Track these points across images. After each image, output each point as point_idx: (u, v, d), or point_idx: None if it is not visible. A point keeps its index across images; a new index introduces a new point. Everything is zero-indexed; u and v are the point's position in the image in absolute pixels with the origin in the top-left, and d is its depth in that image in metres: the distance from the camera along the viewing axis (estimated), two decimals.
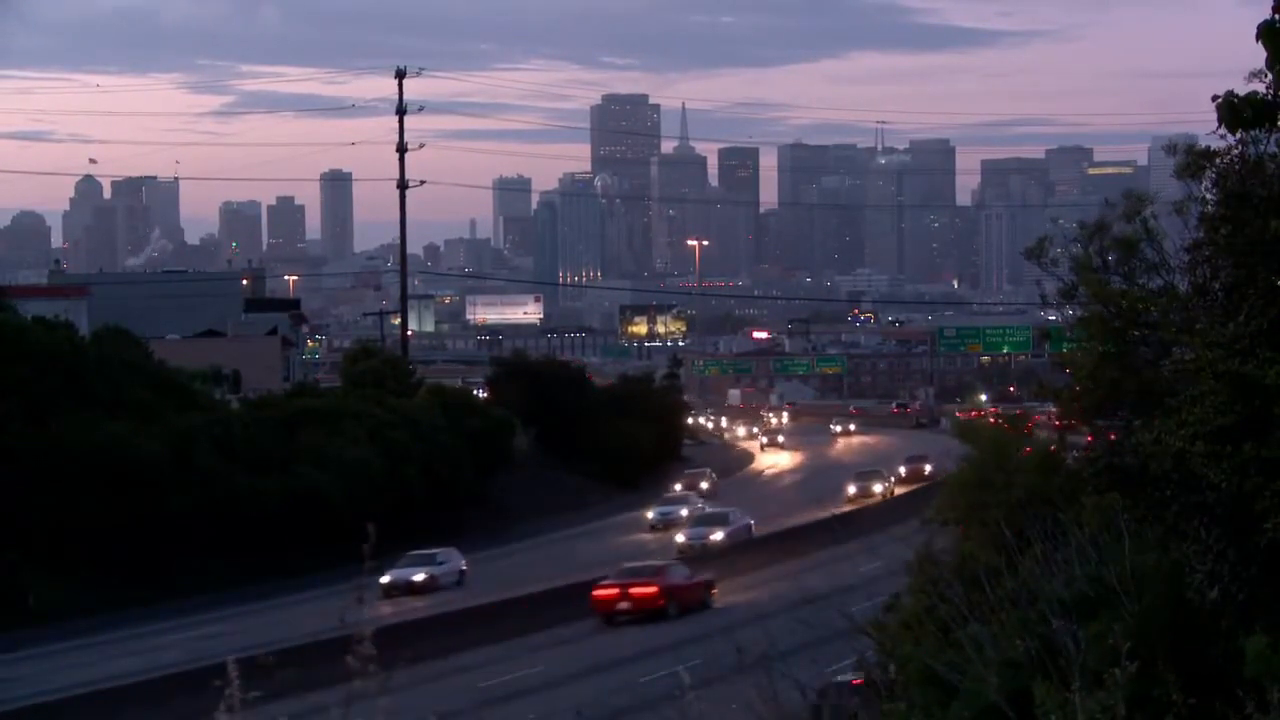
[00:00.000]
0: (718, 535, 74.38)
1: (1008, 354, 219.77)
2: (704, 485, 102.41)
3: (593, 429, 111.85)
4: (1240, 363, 15.06)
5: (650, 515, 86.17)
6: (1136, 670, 12.21)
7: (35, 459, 69.28)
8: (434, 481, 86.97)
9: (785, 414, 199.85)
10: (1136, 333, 24.18)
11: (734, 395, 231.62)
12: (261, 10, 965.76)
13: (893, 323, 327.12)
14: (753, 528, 76.79)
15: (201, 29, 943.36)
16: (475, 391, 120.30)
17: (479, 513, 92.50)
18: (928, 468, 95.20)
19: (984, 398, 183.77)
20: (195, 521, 72.75)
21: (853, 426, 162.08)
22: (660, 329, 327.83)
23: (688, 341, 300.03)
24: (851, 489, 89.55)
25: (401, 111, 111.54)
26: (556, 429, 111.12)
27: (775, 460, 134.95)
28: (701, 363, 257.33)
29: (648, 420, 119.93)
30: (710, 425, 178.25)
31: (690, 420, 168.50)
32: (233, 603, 66.91)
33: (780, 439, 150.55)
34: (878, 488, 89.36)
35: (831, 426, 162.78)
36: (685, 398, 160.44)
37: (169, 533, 71.53)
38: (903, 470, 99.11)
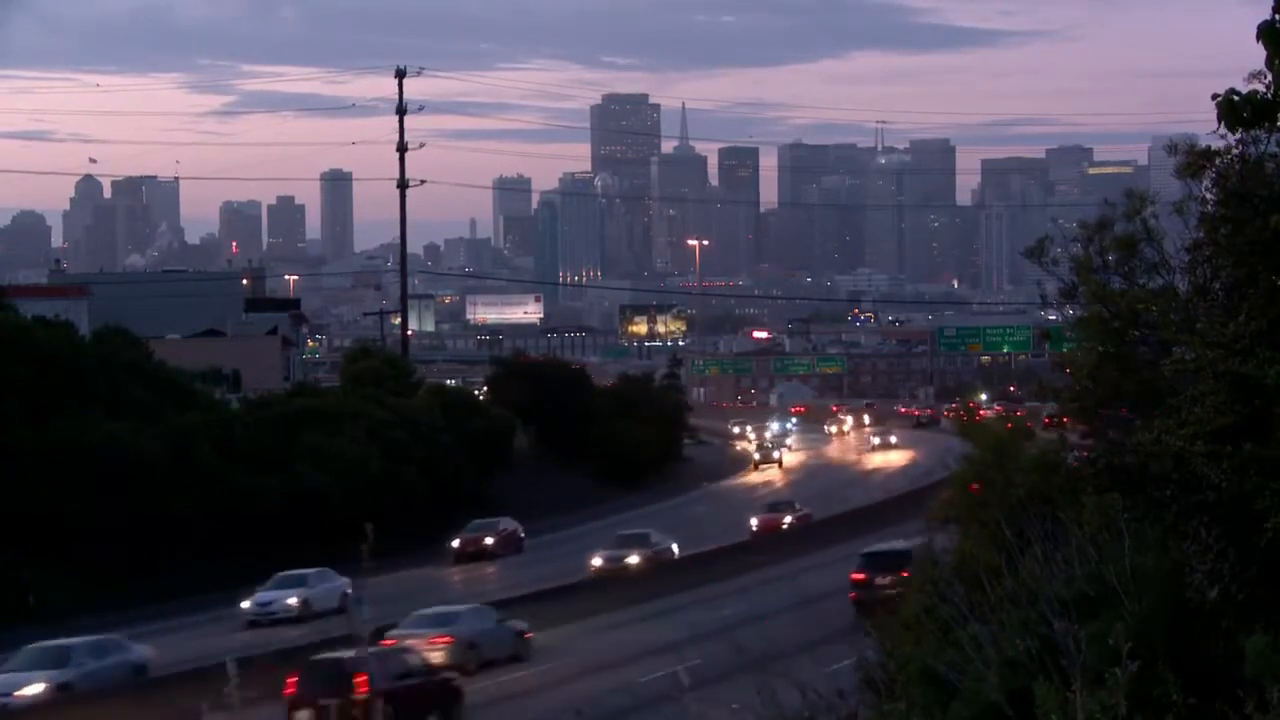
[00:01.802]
0: (32, 690, 45.09)
1: (1008, 354, 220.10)
2: (488, 541, 79.56)
3: (593, 429, 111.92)
4: (1240, 363, 15.05)
5: (246, 606, 61.47)
6: (1137, 670, 12.21)
7: (35, 459, 69.28)
8: (434, 481, 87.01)
9: (866, 416, 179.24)
10: (1136, 333, 24.19)
11: (698, 394, 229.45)
12: (280, 10, 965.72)
13: (893, 323, 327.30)
14: (146, 668, 49.55)
15: (210, 29, 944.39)
16: (476, 392, 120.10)
17: (479, 512, 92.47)
18: (788, 519, 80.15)
19: (984, 397, 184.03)
20: (195, 521, 72.76)
21: (893, 439, 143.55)
22: (660, 329, 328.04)
23: (688, 341, 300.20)
24: (597, 561, 68.02)
25: (401, 111, 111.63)
26: (556, 429, 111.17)
27: (769, 476, 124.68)
28: (701, 362, 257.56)
29: (648, 420, 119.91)
30: (755, 435, 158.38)
31: (735, 429, 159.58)
32: (232, 602, 66.87)
33: (776, 454, 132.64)
34: (633, 559, 67.56)
35: (870, 438, 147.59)
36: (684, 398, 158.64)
37: (169, 532, 71.53)
38: (754, 523, 80.00)
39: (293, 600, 60.95)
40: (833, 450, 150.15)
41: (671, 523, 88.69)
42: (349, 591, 59.94)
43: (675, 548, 70.80)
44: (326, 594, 61.86)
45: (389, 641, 46.00)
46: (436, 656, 45.78)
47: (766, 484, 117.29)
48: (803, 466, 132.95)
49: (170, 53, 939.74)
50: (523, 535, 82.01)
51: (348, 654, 40.81)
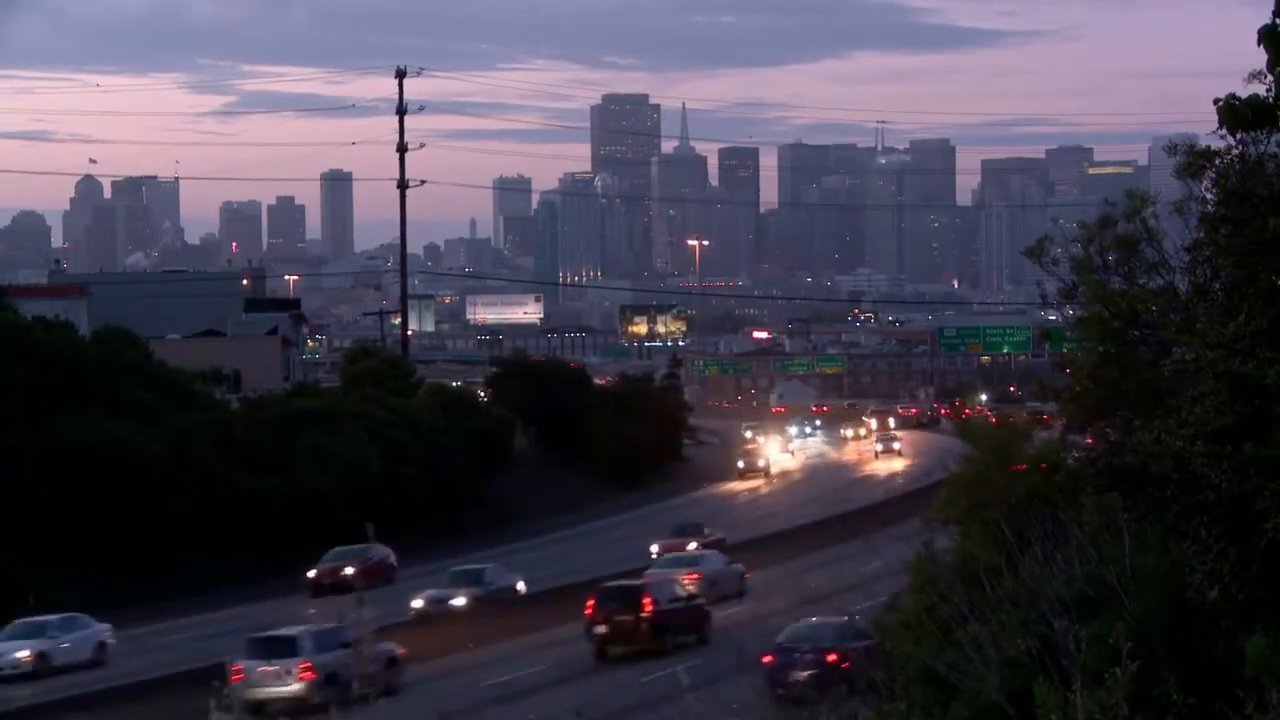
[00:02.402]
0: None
1: (1008, 354, 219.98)
2: (348, 571, 68.13)
3: (593, 429, 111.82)
4: (1240, 363, 15.05)
5: None
6: (1137, 670, 12.21)
7: (35, 459, 69.28)
8: (434, 481, 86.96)
9: (891, 420, 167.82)
10: (1136, 333, 24.20)
11: (690, 394, 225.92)
12: (286, 12, 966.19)
13: (893, 323, 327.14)
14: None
15: (213, 30, 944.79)
16: (480, 393, 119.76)
17: (479, 512, 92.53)
18: (692, 546, 73.10)
19: (984, 398, 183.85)
20: (195, 521, 72.75)
21: (897, 445, 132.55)
22: (660, 329, 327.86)
23: (688, 341, 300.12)
24: (418, 603, 59.36)
25: (401, 111, 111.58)
26: (556, 429, 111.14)
27: (754, 484, 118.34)
28: (701, 363, 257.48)
29: (648, 420, 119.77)
30: (764, 441, 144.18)
31: (751, 436, 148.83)
32: (233, 602, 66.85)
33: (762, 462, 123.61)
34: (460, 601, 59.00)
35: (874, 445, 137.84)
36: (686, 398, 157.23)
37: (169, 532, 71.53)
38: (655, 549, 73.06)
39: (23, 654, 52.11)
40: (836, 453, 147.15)
41: (630, 534, 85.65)
42: (108, 642, 54.87)
43: (521, 585, 62.23)
44: (74, 645, 53.57)
45: (649, 576, 57.01)
46: (690, 589, 55.00)
47: (751, 491, 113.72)
48: (805, 470, 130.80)
49: (171, 53, 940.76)
50: (394, 563, 71.47)
51: (635, 581, 54.08)
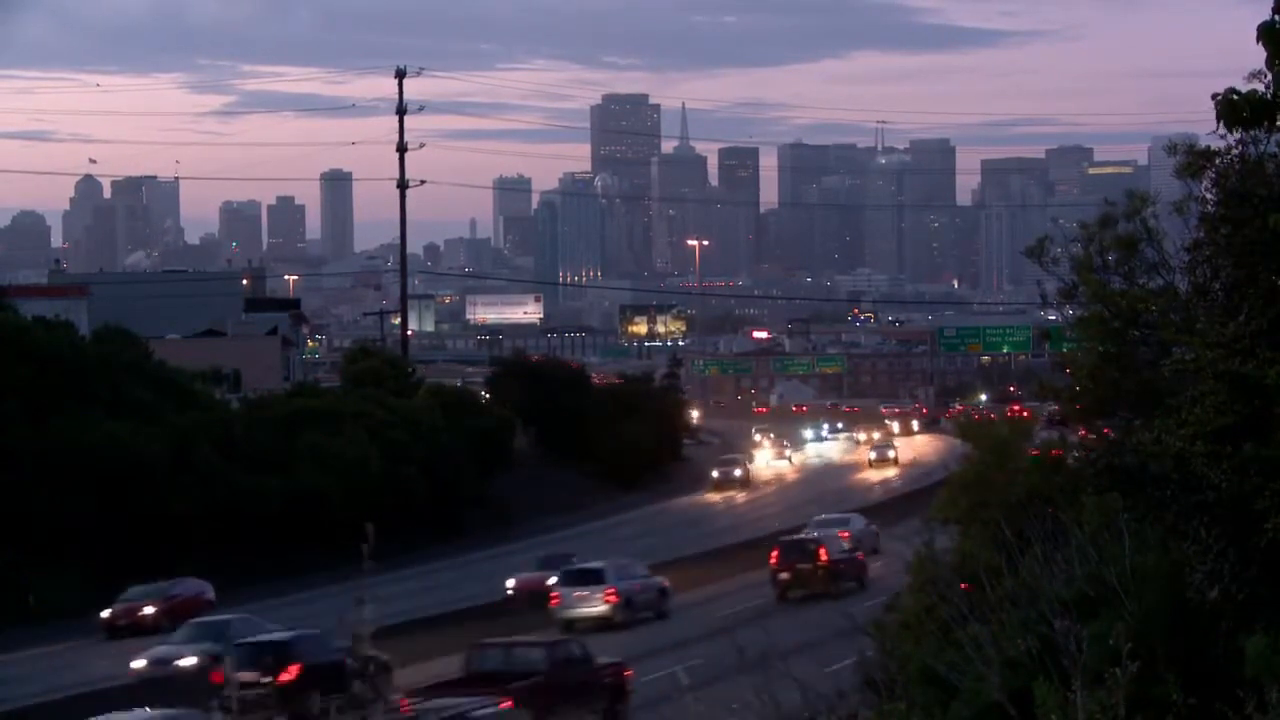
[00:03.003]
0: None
1: (1008, 354, 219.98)
2: (148, 611, 61.19)
3: (593, 429, 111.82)
4: (1240, 363, 15.05)
5: None
6: (1137, 670, 12.21)
7: (35, 459, 69.25)
8: (434, 481, 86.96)
9: (916, 423, 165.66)
10: (1136, 333, 24.18)
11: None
12: (289, 12, 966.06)
13: (893, 323, 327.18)
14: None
15: (216, 30, 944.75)
16: (483, 393, 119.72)
17: (479, 512, 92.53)
18: (552, 580, 59.50)
19: (984, 398, 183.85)
20: (195, 521, 72.73)
21: (892, 453, 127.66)
22: (660, 329, 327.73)
23: (688, 341, 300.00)
24: (139, 663, 49.35)
25: (401, 111, 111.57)
26: (556, 429, 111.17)
27: (730, 493, 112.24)
28: (701, 363, 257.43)
29: (648, 420, 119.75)
30: (775, 445, 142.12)
31: (758, 438, 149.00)
32: (232, 603, 66.74)
33: (737, 473, 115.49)
34: (190, 661, 48.42)
35: (869, 454, 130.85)
36: (684, 397, 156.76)
37: (169, 532, 71.49)
38: (511, 584, 62.79)
39: None
40: (841, 458, 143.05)
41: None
42: None
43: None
44: None
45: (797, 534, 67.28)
46: (849, 544, 64.83)
47: (727, 501, 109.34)
48: (802, 472, 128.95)
49: (171, 53, 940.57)
50: (211, 599, 63.23)
51: (812, 535, 64.96)
